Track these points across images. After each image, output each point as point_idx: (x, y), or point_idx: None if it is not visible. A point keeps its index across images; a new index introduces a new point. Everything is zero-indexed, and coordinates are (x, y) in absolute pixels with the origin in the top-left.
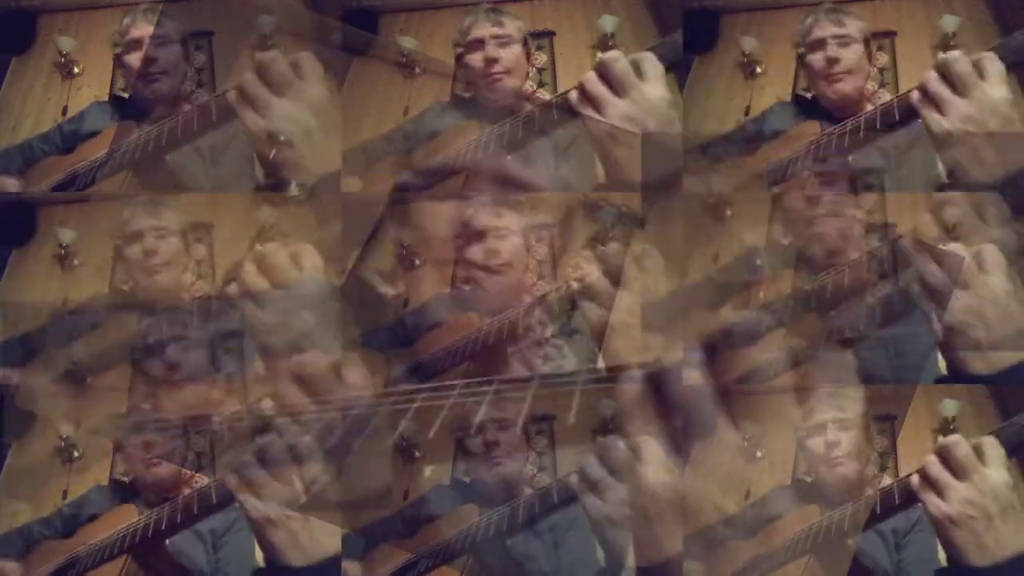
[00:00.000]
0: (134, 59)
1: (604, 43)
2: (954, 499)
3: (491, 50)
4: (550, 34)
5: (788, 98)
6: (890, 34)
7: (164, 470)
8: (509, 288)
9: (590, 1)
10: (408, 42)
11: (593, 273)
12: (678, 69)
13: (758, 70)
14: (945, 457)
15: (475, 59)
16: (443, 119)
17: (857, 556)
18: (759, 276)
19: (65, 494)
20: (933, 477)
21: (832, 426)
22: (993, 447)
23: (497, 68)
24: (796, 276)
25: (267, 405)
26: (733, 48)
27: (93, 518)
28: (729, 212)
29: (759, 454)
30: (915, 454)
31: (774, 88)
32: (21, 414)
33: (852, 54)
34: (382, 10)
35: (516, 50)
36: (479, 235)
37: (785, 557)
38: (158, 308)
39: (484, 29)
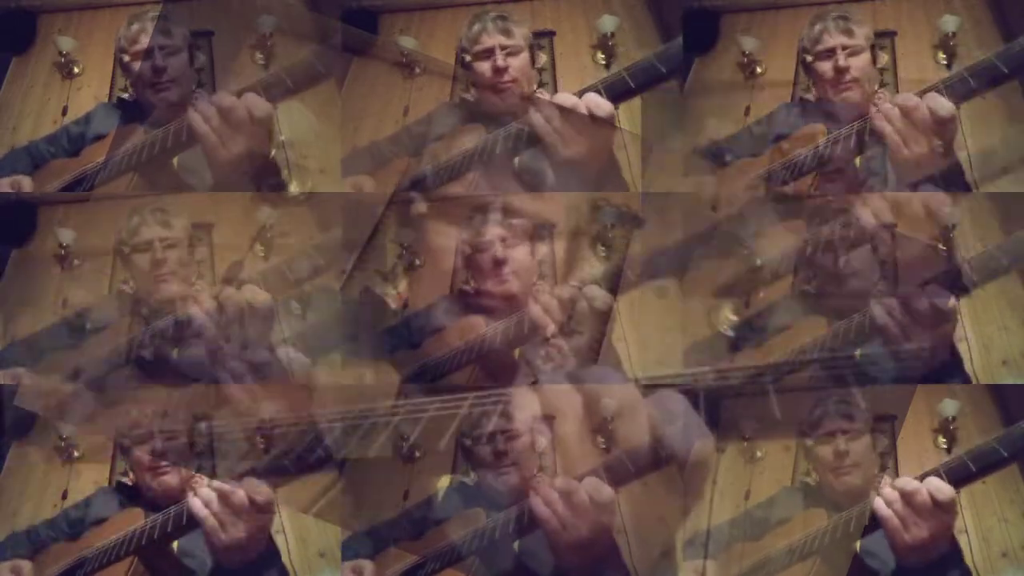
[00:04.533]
0: (144, 68)
1: (604, 43)
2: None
3: (500, 60)
4: (550, 34)
5: (788, 98)
6: (890, 34)
7: (171, 478)
8: (516, 292)
9: (590, 1)
10: (408, 42)
11: (593, 273)
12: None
13: (758, 70)
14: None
15: (483, 67)
16: (449, 121)
17: (863, 557)
18: (759, 277)
19: (65, 494)
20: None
21: (842, 437)
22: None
23: (506, 77)
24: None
25: (268, 410)
26: (733, 48)
27: (100, 521)
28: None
29: (759, 454)
30: (915, 454)
31: (774, 88)
32: (21, 414)
33: (861, 62)
34: (382, 10)
35: (524, 58)
36: (490, 244)
37: (791, 559)
38: (165, 316)
39: (493, 39)
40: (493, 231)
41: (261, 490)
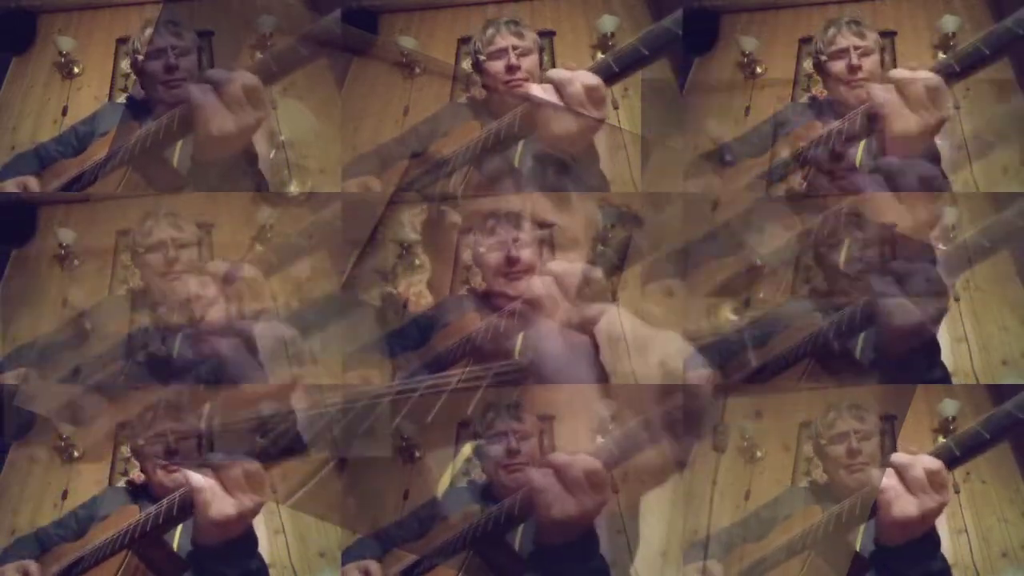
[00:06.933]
0: (156, 65)
1: (604, 43)
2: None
3: (513, 59)
4: (550, 34)
5: (788, 98)
6: (890, 34)
7: (181, 476)
8: (524, 290)
9: (590, 1)
10: (408, 42)
11: (593, 272)
12: (675, 62)
13: (758, 70)
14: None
15: (497, 66)
16: (455, 120)
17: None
18: (759, 274)
19: (65, 494)
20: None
21: (854, 436)
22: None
23: (518, 75)
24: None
25: (267, 407)
26: (733, 48)
27: (104, 519)
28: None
29: (759, 454)
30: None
31: (774, 88)
32: (21, 414)
33: (871, 63)
34: (382, 10)
35: (533, 59)
36: (503, 243)
37: (787, 554)
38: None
39: (506, 40)
40: (508, 232)
41: (252, 465)
